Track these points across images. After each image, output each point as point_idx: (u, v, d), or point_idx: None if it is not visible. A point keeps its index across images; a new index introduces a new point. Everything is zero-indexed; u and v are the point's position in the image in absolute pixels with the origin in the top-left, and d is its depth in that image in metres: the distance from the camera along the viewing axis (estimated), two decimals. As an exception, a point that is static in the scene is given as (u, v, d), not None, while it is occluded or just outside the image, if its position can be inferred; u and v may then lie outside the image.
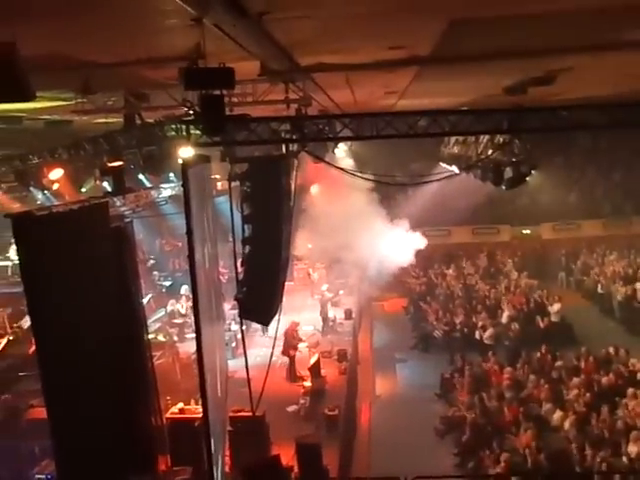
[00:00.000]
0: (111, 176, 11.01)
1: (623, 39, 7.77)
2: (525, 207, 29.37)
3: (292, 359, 16.27)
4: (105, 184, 12.52)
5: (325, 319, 20.30)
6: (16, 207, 12.99)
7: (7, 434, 11.76)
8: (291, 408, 14.16)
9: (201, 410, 10.25)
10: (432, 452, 14.05)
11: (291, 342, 16.44)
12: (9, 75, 4.98)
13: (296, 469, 10.96)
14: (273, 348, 13.60)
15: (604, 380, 15.45)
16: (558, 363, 16.97)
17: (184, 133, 9.50)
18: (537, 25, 6.78)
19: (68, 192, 13.24)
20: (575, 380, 15.72)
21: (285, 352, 16.25)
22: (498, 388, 16.04)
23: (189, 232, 8.00)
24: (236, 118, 8.82)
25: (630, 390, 14.57)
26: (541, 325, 20.64)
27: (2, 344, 16.91)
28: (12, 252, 18.71)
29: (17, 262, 17.33)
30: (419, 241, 21.59)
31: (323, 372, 15.84)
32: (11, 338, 17.23)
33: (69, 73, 7.61)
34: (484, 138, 13.83)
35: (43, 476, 11.34)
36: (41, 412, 9.60)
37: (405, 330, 23.22)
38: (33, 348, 11.75)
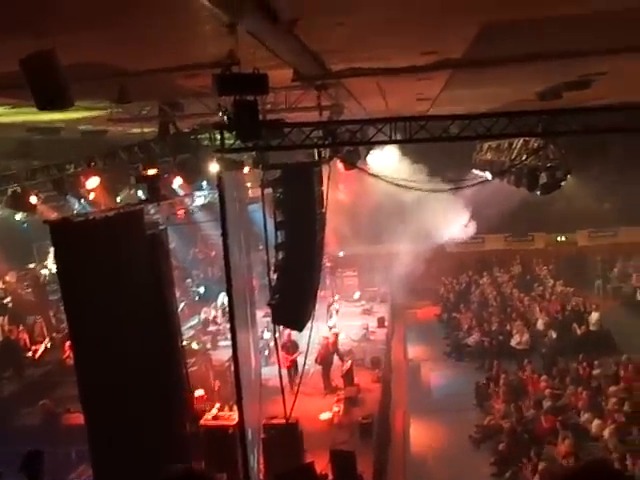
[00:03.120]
0: (146, 184, 11.18)
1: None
2: (560, 213, 28.76)
3: (327, 368, 16.20)
4: (140, 193, 12.74)
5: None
6: (54, 216, 13.18)
7: (45, 439, 11.90)
8: (324, 416, 14.12)
9: (235, 417, 10.32)
10: (468, 461, 13.83)
11: (329, 352, 16.37)
12: (50, 81, 5.10)
13: (330, 476, 10.92)
14: (306, 356, 13.58)
15: (645, 388, 15.09)
16: (596, 371, 16.63)
17: (218, 140, 9.57)
18: (570, 27, 6.65)
19: (104, 201, 13.44)
20: (614, 388, 15.37)
21: (320, 361, 16.19)
22: (535, 396, 15.76)
23: (224, 235, 8.04)
24: (270, 123, 8.84)
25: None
26: (578, 332, 20.20)
27: (40, 351, 17.26)
28: (49, 261, 19.10)
29: (53, 270, 17.89)
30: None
31: (356, 380, 15.77)
32: (48, 346, 17.58)
33: (105, 82, 7.71)
34: (518, 143, 13.67)
35: (80, 481, 11.49)
36: (78, 418, 9.73)
37: (439, 338, 23.01)
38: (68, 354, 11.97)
